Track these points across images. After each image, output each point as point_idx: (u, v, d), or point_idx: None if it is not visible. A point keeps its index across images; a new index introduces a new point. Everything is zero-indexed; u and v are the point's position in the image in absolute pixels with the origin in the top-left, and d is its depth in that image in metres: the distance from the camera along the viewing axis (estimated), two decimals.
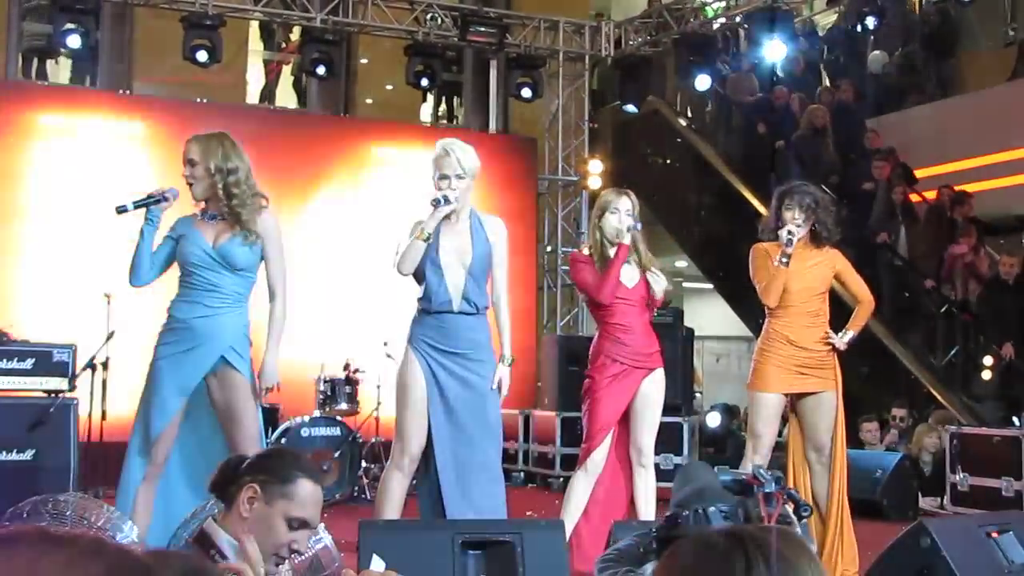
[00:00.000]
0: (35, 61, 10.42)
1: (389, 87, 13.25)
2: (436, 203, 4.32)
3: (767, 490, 2.65)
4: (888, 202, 10.22)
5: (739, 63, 12.23)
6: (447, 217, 4.41)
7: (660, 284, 4.97)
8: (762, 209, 8.38)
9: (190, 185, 4.27)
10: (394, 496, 4.40)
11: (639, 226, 4.92)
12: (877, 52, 12.26)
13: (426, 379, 4.39)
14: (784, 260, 4.85)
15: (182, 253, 4.25)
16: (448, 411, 4.40)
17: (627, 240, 4.85)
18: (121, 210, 4.20)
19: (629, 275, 4.93)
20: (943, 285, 9.67)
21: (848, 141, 11.07)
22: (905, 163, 10.64)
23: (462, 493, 4.37)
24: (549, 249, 11.79)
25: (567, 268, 10.34)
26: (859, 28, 11.02)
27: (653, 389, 4.95)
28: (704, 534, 1.36)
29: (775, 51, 10.89)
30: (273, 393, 4.42)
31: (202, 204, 4.32)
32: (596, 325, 5.08)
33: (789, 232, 4.85)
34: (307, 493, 2.42)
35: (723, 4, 11.71)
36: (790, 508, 2.76)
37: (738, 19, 11.34)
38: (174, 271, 4.37)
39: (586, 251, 5.08)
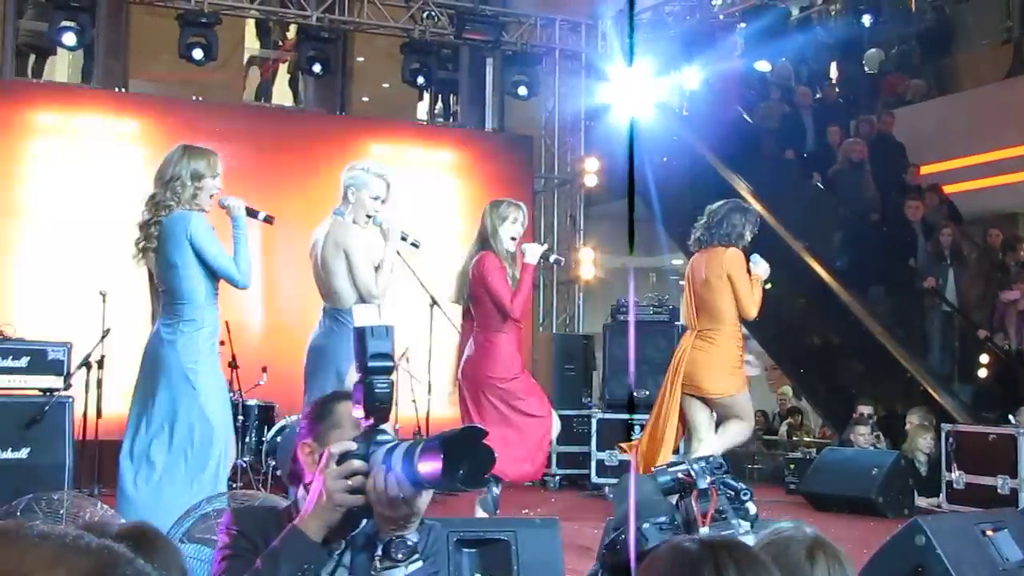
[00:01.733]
0: (31, 59, 10.37)
1: (385, 85, 13.22)
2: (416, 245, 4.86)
3: (700, 486, 2.58)
4: (935, 244, 9.48)
5: (766, 93, 11.94)
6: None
7: None
8: (762, 209, 8.36)
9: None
10: None
11: (562, 261, 5.26)
12: (873, 50, 12.27)
13: None
14: None
15: None
16: None
17: (532, 260, 5.44)
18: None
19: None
20: (996, 334, 9.06)
21: (888, 176, 10.42)
22: (951, 200, 10.09)
23: None
24: (545, 247, 11.74)
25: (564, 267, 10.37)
26: (856, 24, 10.97)
27: None
28: (679, 541, 1.44)
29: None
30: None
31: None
32: (494, 326, 5.27)
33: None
34: (349, 410, 2.22)
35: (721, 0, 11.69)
36: (737, 494, 2.61)
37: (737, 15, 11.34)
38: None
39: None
